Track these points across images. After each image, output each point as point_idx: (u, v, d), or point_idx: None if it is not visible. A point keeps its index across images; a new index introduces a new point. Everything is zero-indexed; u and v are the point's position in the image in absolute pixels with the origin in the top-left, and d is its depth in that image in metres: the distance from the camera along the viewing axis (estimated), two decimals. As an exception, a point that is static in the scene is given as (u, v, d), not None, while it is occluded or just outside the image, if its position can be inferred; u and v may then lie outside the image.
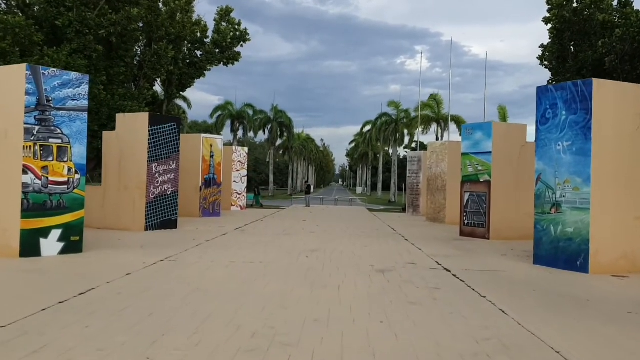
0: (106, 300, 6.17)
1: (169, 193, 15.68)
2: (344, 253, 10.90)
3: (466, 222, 15.75)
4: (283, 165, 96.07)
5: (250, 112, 57.34)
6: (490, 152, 15.14)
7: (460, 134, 48.58)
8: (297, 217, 22.72)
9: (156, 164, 15.33)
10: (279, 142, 66.50)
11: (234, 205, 26.94)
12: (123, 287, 6.92)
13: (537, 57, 25.29)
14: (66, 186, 9.96)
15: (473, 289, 7.40)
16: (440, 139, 46.11)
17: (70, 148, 10.03)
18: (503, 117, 43.56)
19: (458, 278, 8.28)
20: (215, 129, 55.61)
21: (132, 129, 15.38)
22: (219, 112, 55.74)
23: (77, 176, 10.15)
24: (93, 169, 21.84)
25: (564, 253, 9.63)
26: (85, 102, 10.29)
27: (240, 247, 11.44)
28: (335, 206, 38.88)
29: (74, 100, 10.11)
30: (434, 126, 47.30)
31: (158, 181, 15.41)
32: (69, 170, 10.03)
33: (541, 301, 6.83)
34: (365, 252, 11.12)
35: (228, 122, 56.78)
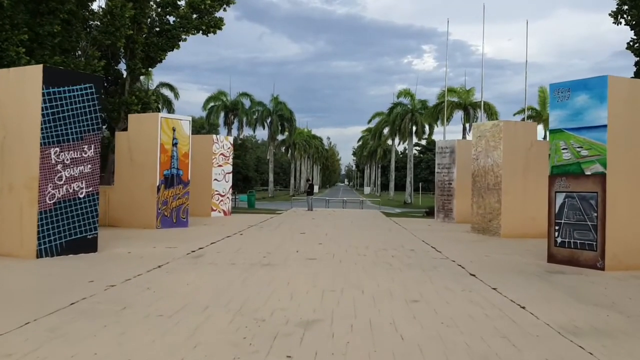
0: None
1: (81, 196, 9.79)
2: (377, 330, 4.92)
3: (560, 240, 9.75)
4: (286, 164, 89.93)
5: (247, 102, 51.13)
6: (605, 127, 9.15)
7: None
8: (294, 228, 16.74)
9: (58, 149, 9.46)
10: (280, 137, 60.35)
11: (215, 210, 21.02)
12: None
13: (610, 14, 19.29)
14: None
15: None
16: (468, 130, 38.87)
17: None
18: (543, 102, 36.82)
19: None
20: (208, 122, 49.73)
21: (18, 94, 9.53)
22: (212, 104, 49.67)
23: None
24: None
25: None
26: None
27: (160, 309, 5.49)
28: (343, 209, 32.59)
29: None
30: (451, 127, 40.97)
31: (62, 177, 9.53)
32: None
33: None
34: (422, 327, 5.12)
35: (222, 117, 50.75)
